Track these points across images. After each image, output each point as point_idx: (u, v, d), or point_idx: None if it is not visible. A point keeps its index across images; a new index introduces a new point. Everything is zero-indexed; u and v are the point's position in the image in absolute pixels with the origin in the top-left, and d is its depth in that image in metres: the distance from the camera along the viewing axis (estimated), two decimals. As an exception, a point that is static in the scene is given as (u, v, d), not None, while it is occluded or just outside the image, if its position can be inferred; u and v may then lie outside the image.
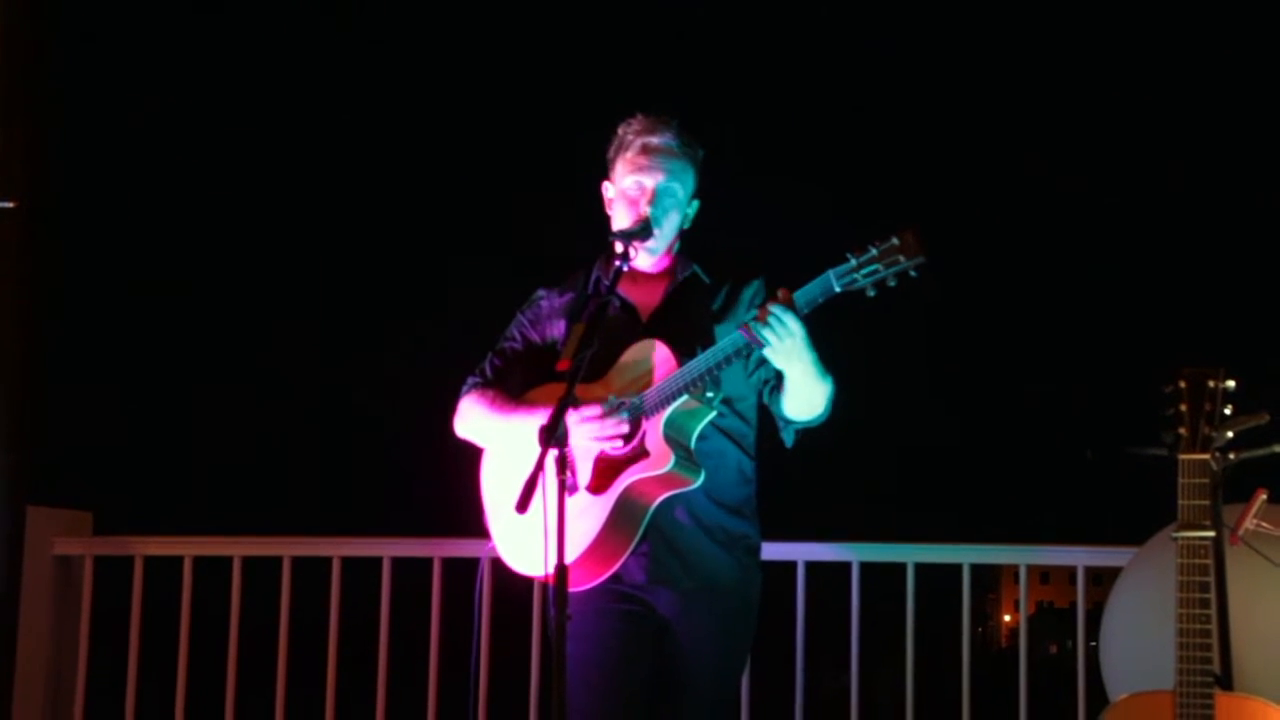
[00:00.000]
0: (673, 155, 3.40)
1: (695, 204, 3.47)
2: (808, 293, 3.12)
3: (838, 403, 3.36)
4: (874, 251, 3.07)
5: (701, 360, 3.19)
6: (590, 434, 3.25)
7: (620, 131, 3.46)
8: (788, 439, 3.44)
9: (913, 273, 3.07)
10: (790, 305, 3.10)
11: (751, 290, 3.45)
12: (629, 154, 3.42)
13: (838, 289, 3.09)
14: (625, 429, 3.25)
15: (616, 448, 3.26)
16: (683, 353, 3.24)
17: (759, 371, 3.38)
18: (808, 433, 3.41)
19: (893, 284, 3.07)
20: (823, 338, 3.21)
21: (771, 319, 3.10)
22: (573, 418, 3.16)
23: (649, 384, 3.26)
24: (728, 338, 3.19)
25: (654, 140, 3.40)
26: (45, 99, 4.48)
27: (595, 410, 3.25)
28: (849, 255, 3.09)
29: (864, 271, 3.07)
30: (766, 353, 3.14)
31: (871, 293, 3.08)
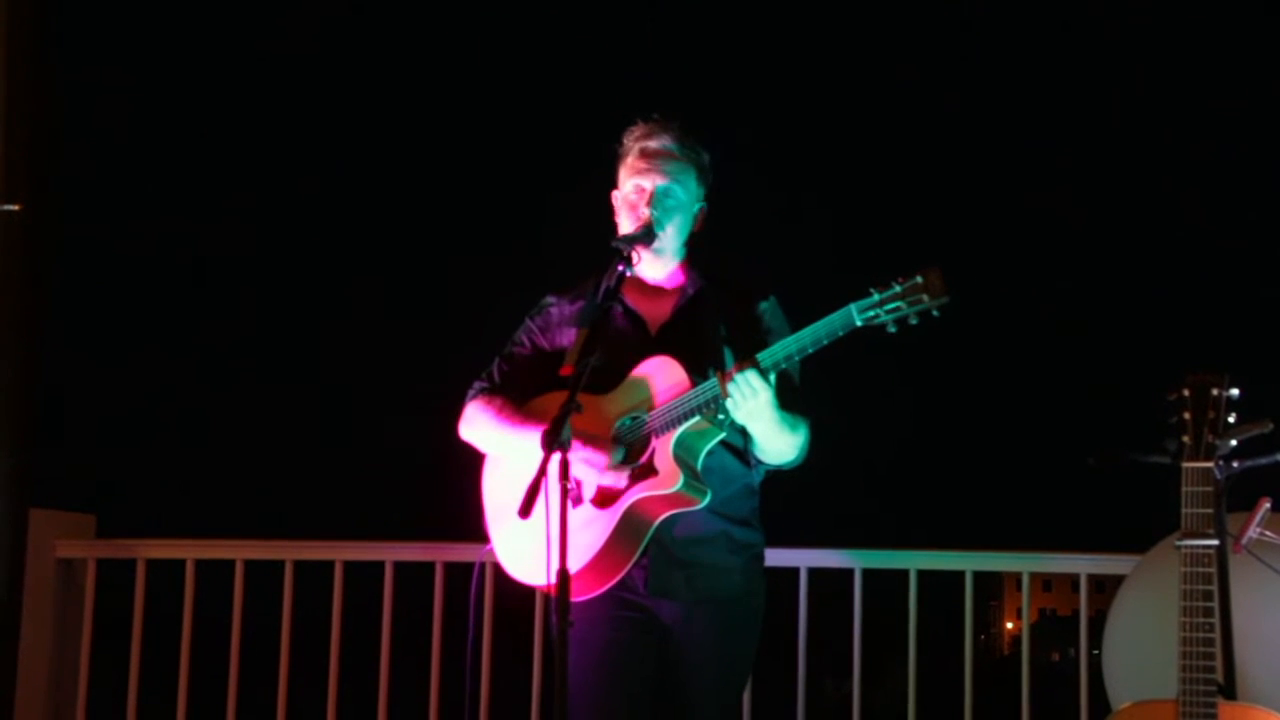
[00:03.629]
0: (672, 158, 3.41)
1: (699, 207, 3.46)
2: (828, 325, 3.09)
3: (813, 448, 3.38)
4: (897, 288, 3.05)
5: (713, 383, 3.18)
6: (589, 476, 3.25)
7: (624, 139, 3.47)
8: (756, 476, 3.45)
9: (935, 312, 3.05)
10: (758, 369, 3.11)
11: (763, 308, 3.43)
12: (630, 159, 3.43)
13: (859, 323, 3.07)
14: (624, 485, 3.24)
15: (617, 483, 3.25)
16: (692, 369, 3.23)
17: None
18: (814, 440, 3.41)
19: (914, 322, 3.05)
20: (819, 359, 3.21)
21: (740, 378, 3.11)
22: (578, 453, 3.16)
23: (659, 402, 3.24)
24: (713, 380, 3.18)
25: (652, 144, 3.41)
26: (49, 101, 4.48)
27: (601, 459, 3.24)
28: (872, 290, 3.07)
29: (887, 308, 3.05)
30: (728, 406, 3.15)
31: (892, 329, 3.06)
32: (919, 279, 3.04)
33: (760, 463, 3.41)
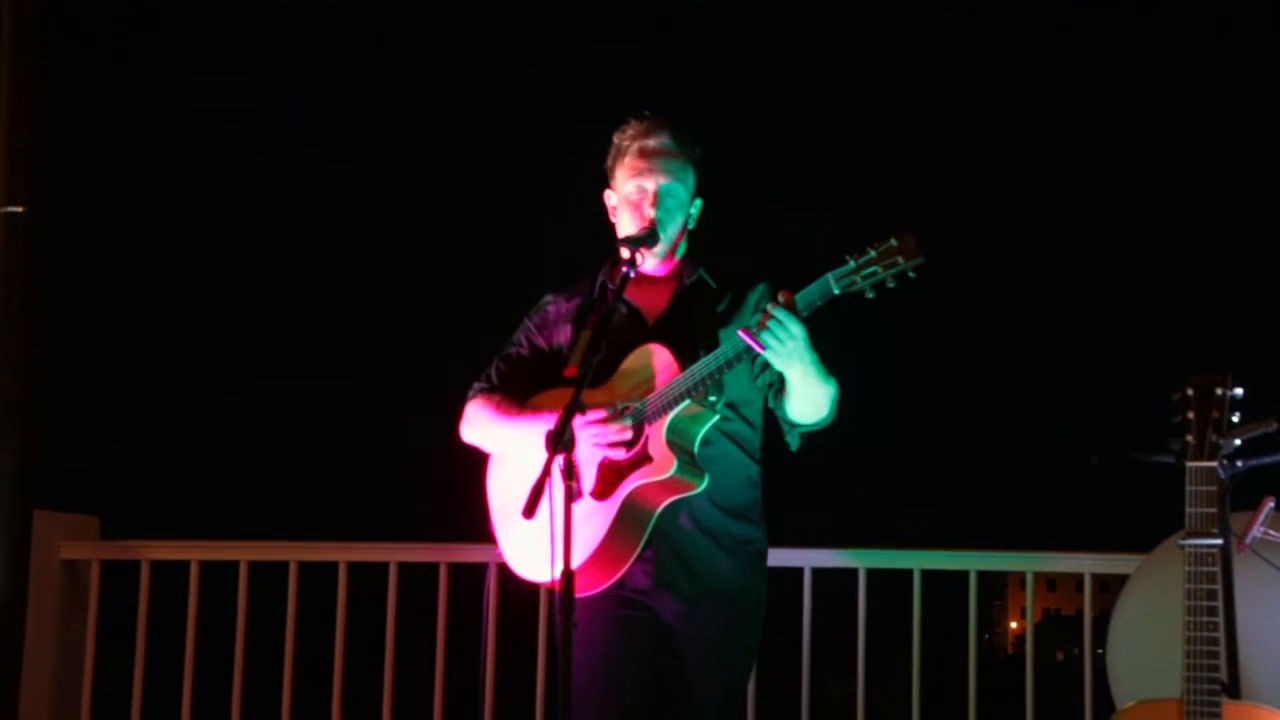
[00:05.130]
0: (671, 156, 3.42)
1: (698, 203, 3.47)
2: (807, 295, 3.12)
3: (842, 405, 3.36)
4: (872, 253, 3.07)
5: (703, 364, 3.19)
6: (592, 438, 3.25)
7: (616, 140, 3.47)
8: (792, 442, 3.43)
9: (911, 274, 3.07)
10: (792, 309, 3.10)
11: (756, 294, 3.44)
12: (627, 159, 3.43)
13: (836, 291, 3.10)
14: (628, 435, 3.24)
15: (619, 454, 3.25)
16: (686, 357, 3.24)
17: (764, 375, 3.37)
18: (815, 437, 3.41)
19: (891, 285, 3.07)
20: (829, 340, 3.21)
21: (772, 323, 3.10)
22: (576, 421, 3.16)
23: (651, 389, 3.26)
24: (729, 342, 3.19)
25: (651, 143, 3.42)
26: (51, 103, 4.49)
27: (599, 414, 3.25)
28: (848, 257, 3.09)
29: (863, 274, 3.08)
30: (768, 355, 3.14)
31: (870, 294, 3.09)
32: (893, 242, 3.07)
33: (795, 426, 3.37)
